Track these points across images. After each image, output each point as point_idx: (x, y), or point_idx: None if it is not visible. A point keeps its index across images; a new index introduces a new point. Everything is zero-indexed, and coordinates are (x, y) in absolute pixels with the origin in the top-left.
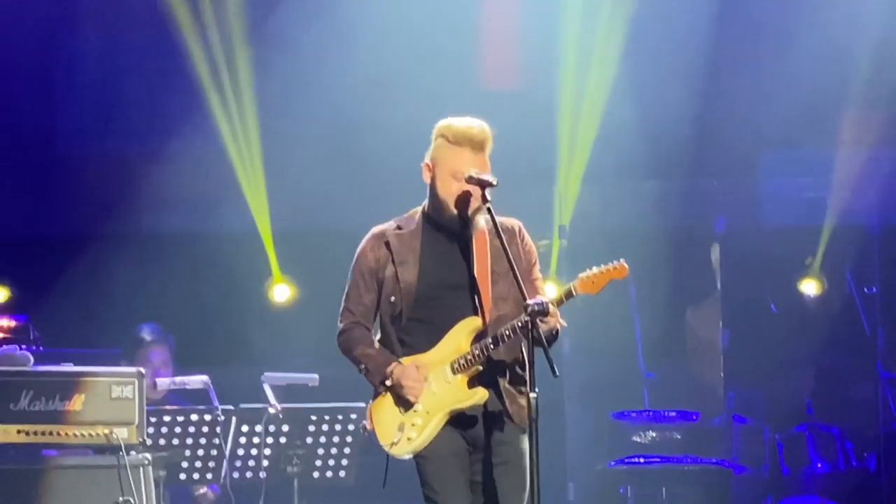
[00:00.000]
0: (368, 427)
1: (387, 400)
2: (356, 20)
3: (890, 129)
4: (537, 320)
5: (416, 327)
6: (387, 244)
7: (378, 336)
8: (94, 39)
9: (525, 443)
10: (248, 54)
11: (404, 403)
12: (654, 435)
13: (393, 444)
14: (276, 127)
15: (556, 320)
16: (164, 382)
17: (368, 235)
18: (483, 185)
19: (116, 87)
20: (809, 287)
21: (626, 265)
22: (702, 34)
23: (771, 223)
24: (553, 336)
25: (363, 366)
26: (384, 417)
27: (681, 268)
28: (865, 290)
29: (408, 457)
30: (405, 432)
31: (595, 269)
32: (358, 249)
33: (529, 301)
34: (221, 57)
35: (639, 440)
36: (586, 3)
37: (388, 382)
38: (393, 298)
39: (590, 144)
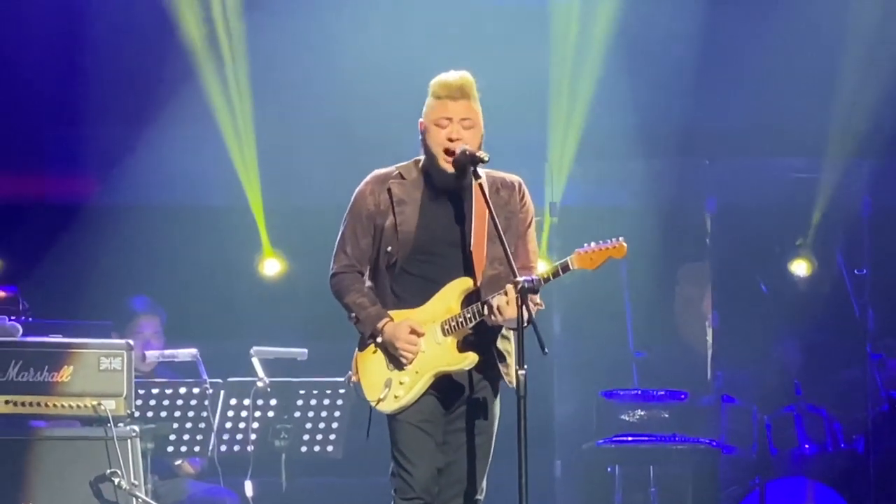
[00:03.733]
0: (354, 379)
1: (375, 354)
2: None
3: (881, 110)
4: (527, 297)
5: (409, 280)
6: (389, 191)
7: (369, 282)
8: (87, 10)
9: (497, 410)
10: (242, 28)
11: (395, 362)
12: (642, 414)
13: (379, 400)
14: (268, 101)
15: (535, 304)
16: (153, 355)
17: (369, 178)
18: (474, 161)
19: (109, 58)
20: (799, 268)
21: (624, 244)
22: (694, 13)
23: (762, 203)
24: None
25: (354, 315)
26: (371, 371)
27: (671, 247)
28: (855, 271)
29: (392, 412)
30: (392, 389)
31: (594, 245)
32: (356, 191)
33: (519, 278)
34: (215, 30)
35: (627, 419)
36: None
37: (378, 339)
38: (389, 248)
39: (582, 122)
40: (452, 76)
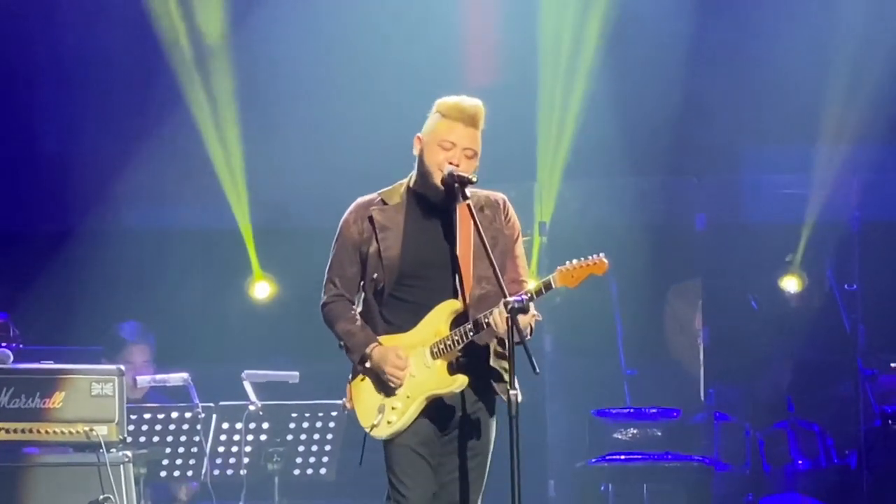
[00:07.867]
0: (348, 406)
1: (366, 381)
2: (337, 18)
3: (870, 126)
4: (517, 317)
5: (398, 305)
6: (370, 219)
7: (360, 308)
8: (73, 35)
9: (493, 430)
10: (228, 50)
11: (384, 387)
12: (634, 432)
13: (373, 426)
14: (256, 123)
15: (532, 316)
16: (144, 380)
17: (352, 206)
18: (462, 182)
19: (96, 83)
20: (790, 284)
21: (605, 260)
22: (681, 30)
23: (751, 220)
24: (530, 331)
25: (343, 343)
26: (364, 398)
27: (661, 265)
28: (846, 286)
29: (387, 437)
30: (385, 415)
31: (575, 262)
32: (342, 220)
33: (509, 298)
34: (201, 53)
35: (620, 437)
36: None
37: (367, 364)
38: (375, 275)
39: (570, 141)
40: (468, 102)
